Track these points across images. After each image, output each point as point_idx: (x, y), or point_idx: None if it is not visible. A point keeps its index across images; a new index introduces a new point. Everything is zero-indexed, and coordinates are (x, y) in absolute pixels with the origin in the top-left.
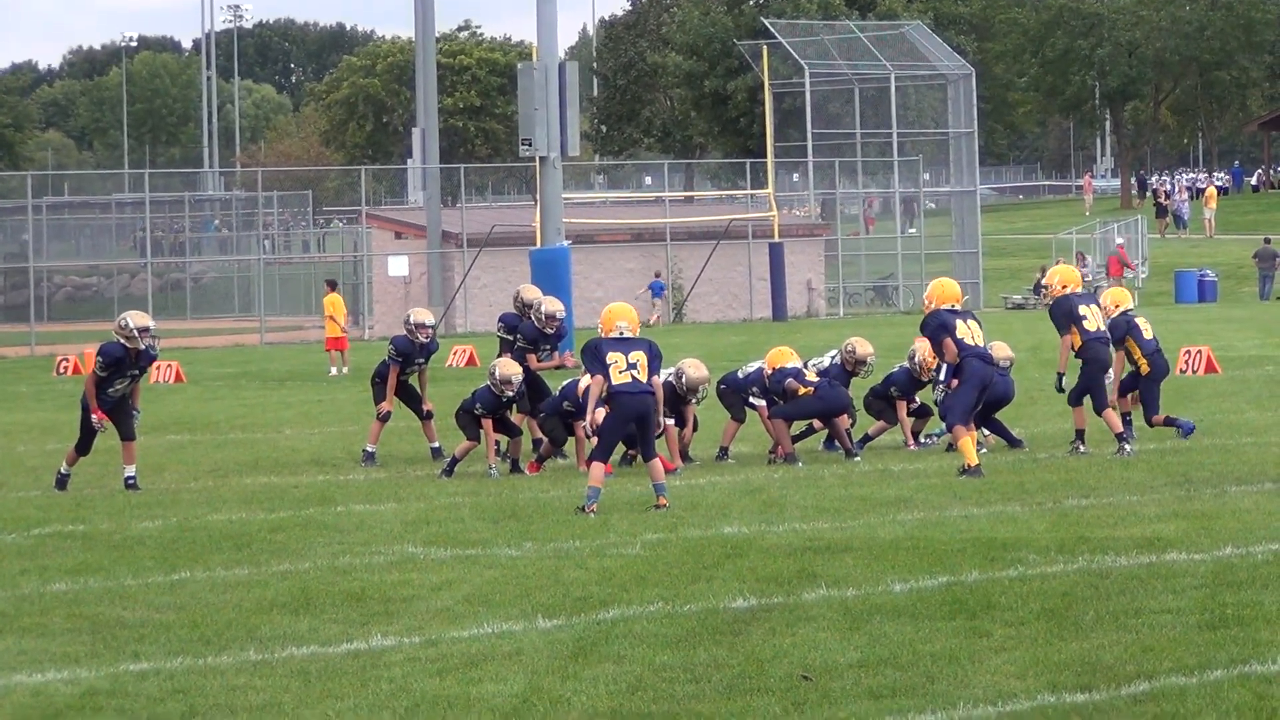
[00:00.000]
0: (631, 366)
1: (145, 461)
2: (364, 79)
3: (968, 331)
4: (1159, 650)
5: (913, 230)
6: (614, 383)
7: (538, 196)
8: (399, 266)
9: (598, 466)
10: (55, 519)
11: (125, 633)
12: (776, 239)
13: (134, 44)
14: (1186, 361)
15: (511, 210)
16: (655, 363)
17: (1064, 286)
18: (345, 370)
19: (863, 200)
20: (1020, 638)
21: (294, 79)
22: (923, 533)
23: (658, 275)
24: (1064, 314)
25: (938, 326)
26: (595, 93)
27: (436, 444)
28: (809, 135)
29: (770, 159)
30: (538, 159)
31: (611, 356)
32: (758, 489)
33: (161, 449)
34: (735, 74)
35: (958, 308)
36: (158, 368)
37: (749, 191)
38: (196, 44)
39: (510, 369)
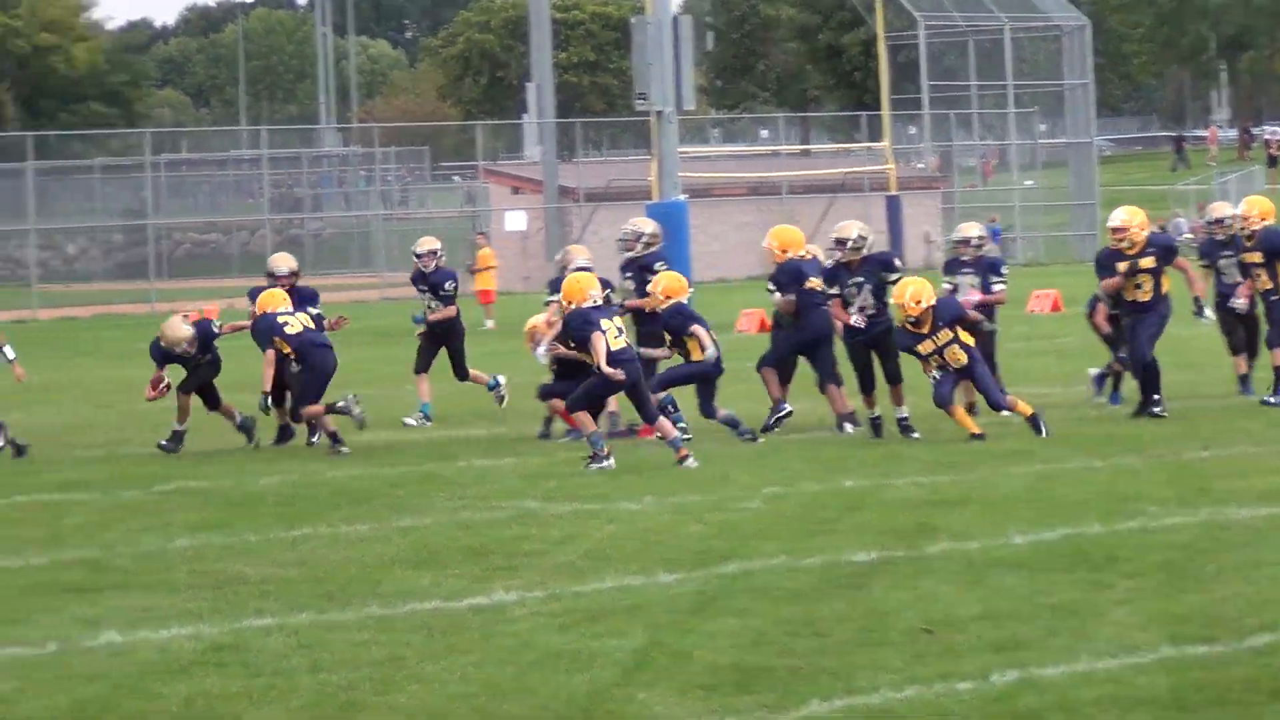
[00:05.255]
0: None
1: (266, 418)
2: (479, 34)
3: None
4: None
5: (1030, 183)
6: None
7: (654, 151)
8: (516, 221)
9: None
10: (177, 475)
11: (248, 589)
12: (893, 192)
13: (249, 1)
14: None
15: (628, 164)
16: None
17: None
18: (491, 325)
19: (979, 152)
20: (1141, 590)
21: (409, 34)
22: (1043, 485)
23: (993, 220)
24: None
25: None
26: (710, 46)
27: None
28: (924, 88)
29: (886, 112)
30: (653, 113)
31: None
32: (876, 442)
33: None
34: (849, 27)
35: None
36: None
37: (865, 144)
38: (311, 0)
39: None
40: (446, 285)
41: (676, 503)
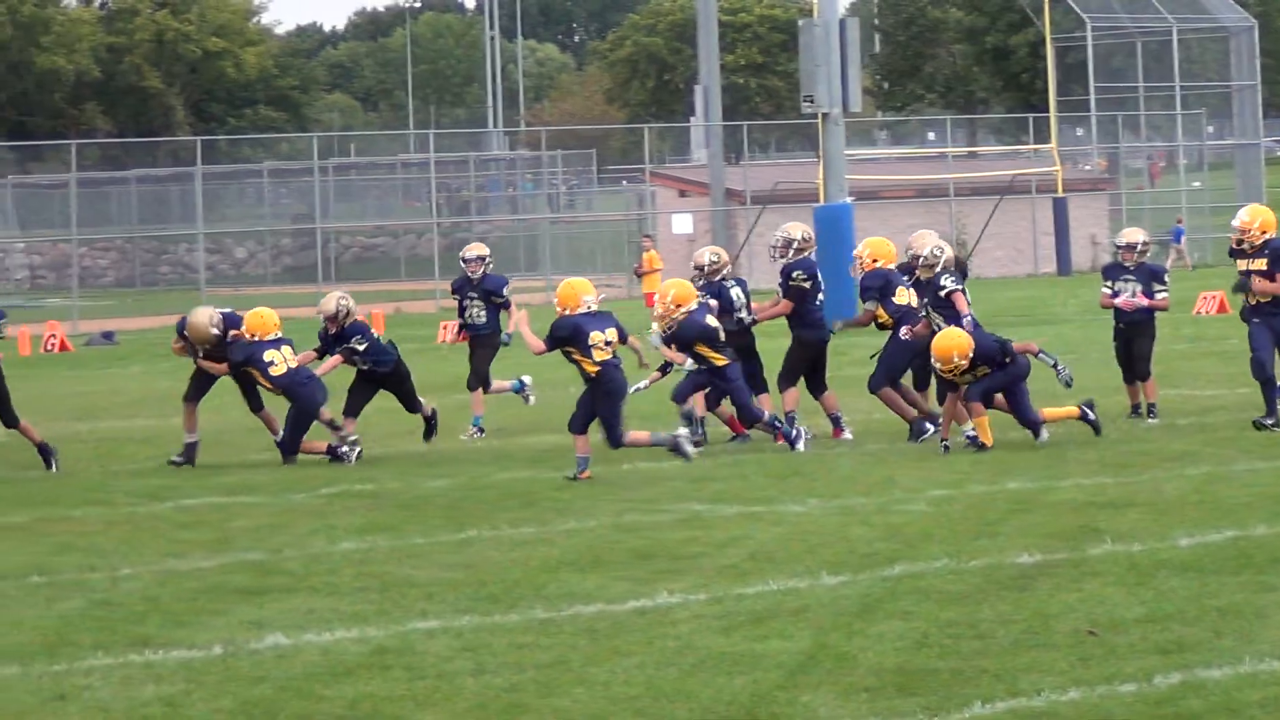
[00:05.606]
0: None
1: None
2: (646, 37)
3: None
4: None
5: (1197, 184)
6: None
7: (820, 153)
8: (683, 224)
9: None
10: (344, 478)
11: (413, 591)
12: (1060, 193)
13: (417, 5)
14: None
15: (795, 167)
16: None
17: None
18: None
19: (1146, 154)
20: None
21: (576, 38)
22: (1208, 487)
23: (1179, 221)
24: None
25: None
26: (877, 49)
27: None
28: (1091, 89)
29: (1053, 113)
30: (820, 115)
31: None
32: (1041, 445)
33: (450, 408)
34: (1017, 28)
35: None
36: (444, 326)
37: (1032, 146)
38: (479, 4)
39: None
40: (503, 292)
41: (841, 505)
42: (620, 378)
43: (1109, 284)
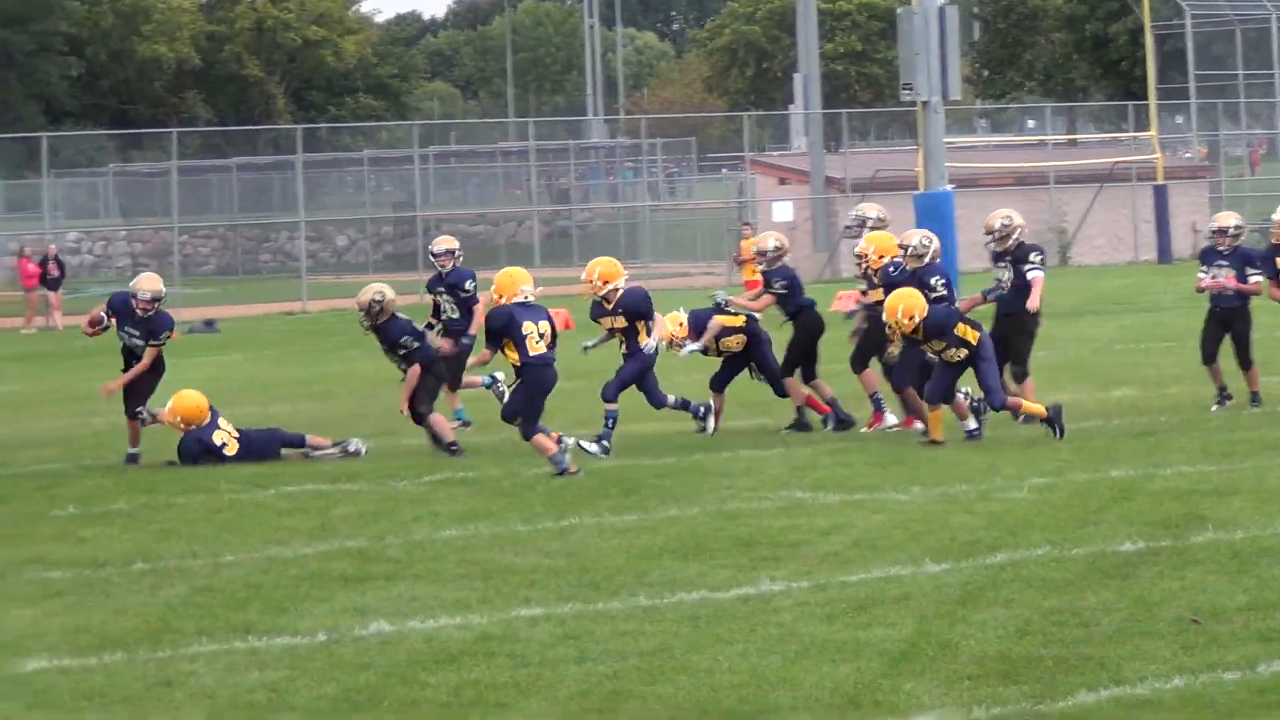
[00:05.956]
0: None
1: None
2: (745, 25)
3: None
4: None
5: None
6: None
7: (920, 141)
8: (783, 212)
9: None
10: (446, 466)
11: (516, 578)
12: (1160, 181)
13: None
14: None
15: (894, 155)
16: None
17: None
18: None
19: (1246, 141)
20: None
21: (675, 26)
22: None
23: None
24: None
25: None
26: (976, 36)
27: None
28: (1191, 77)
29: (1153, 101)
30: (919, 103)
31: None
32: (1145, 432)
33: (551, 396)
34: (1116, 16)
35: None
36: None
37: (1132, 134)
38: None
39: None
40: (466, 285)
41: (944, 493)
42: (550, 375)
43: (1204, 269)
